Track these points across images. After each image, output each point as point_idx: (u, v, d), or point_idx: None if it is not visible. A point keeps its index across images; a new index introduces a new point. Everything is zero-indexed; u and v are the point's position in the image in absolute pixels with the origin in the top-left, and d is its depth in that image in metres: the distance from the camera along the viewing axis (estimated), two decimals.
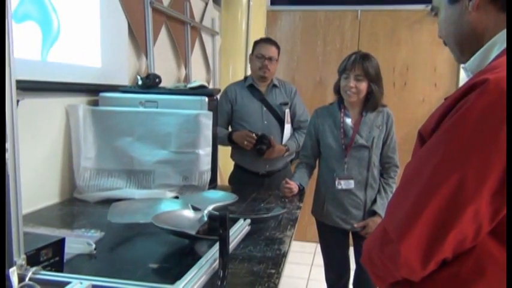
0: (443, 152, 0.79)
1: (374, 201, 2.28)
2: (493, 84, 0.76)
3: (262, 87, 2.78)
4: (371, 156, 2.24)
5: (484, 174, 0.75)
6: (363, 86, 2.18)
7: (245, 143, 2.59)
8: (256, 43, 2.78)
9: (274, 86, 2.79)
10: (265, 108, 2.74)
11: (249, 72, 3.06)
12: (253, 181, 2.70)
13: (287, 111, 2.75)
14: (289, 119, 2.76)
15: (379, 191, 2.28)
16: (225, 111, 2.73)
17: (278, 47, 2.77)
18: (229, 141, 2.68)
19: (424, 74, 4.09)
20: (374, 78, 2.19)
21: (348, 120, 2.27)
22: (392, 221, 0.84)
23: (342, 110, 2.28)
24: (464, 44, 0.95)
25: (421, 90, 4.11)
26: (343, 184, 2.24)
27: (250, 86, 2.77)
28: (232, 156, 2.87)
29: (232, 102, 2.74)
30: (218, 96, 2.60)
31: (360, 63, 2.16)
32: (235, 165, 2.87)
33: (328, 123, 2.30)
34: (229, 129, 2.77)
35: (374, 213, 2.26)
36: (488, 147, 0.75)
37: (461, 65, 0.97)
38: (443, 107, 0.84)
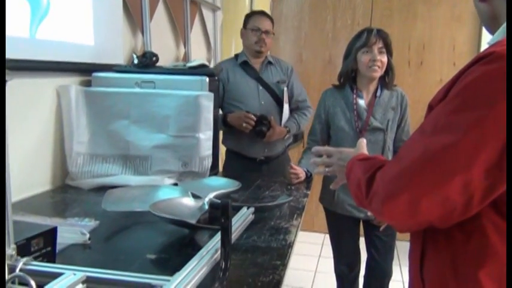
0: (443, 120, 0.83)
1: None
2: (498, 55, 0.80)
3: (256, 64, 2.73)
4: (386, 140, 2.24)
5: (478, 145, 0.78)
6: (385, 59, 2.19)
7: (243, 125, 2.53)
8: (248, 16, 2.73)
9: (269, 63, 2.75)
10: (261, 87, 2.69)
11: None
12: (251, 168, 2.66)
13: (285, 89, 2.70)
14: (287, 99, 2.71)
15: None
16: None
17: (273, 21, 2.73)
18: (224, 124, 2.62)
19: (442, 52, 4.05)
20: (391, 52, 2.21)
21: (361, 102, 2.26)
22: (383, 176, 0.89)
23: (354, 91, 2.27)
24: (486, 25, 1.00)
25: (438, 70, 4.07)
26: None
27: (243, 63, 2.71)
28: (224, 142, 2.80)
29: (223, 81, 2.67)
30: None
31: (381, 35, 2.17)
32: (229, 152, 2.81)
33: (340, 105, 2.29)
34: (220, 111, 2.67)
35: None
36: (484, 117, 0.78)
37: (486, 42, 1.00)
38: (453, 78, 0.88)
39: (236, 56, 2.80)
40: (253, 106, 2.64)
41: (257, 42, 2.65)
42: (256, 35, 2.65)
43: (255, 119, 2.54)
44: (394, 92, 2.28)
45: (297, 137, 2.96)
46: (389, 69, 2.23)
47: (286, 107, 2.70)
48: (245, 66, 2.72)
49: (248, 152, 2.71)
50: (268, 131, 2.55)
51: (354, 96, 2.26)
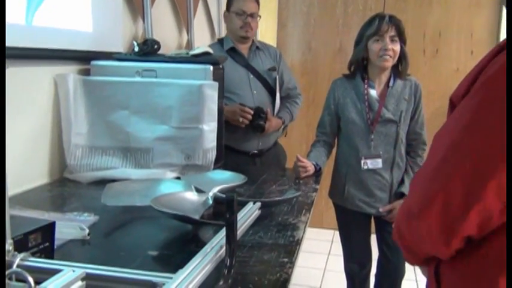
0: (469, 119, 0.80)
1: (401, 182, 2.28)
2: None
3: (243, 50, 2.65)
4: (398, 132, 2.23)
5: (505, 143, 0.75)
6: (397, 48, 2.17)
7: (240, 119, 2.46)
8: None
9: (258, 48, 2.69)
10: (252, 76, 2.61)
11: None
12: (244, 162, 2.59)
13: (277, 77, 2.64)
14: (279, 87, 2.66)
15: (406, 171, 2.29)
16: None
17: (258, 2, 2.64)
18: None
19: (459, 39, 4.02)
20: (405, 40, 2.20)
21: (373, 92, 2.26)
22: (413, 194, 0.88)
23: (366, 80, 2.26)
24: None
25: (455, 59, 4.05)
26: (369, 164, 2.24)
27: (231, 50, 2.63)
28: None
29: None
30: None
31: (394, 22, 2.16)
32: None
33: (350, 96, 2.29)
34: None
35: (401, 195, 2.26)
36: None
37: None
38: (474, 69, 0.85)
39: (220, 40, 2.70)
40: (246, 97, 2.57)
41: (242, 27, 2.57)
42: (241, 19, 2.56)
43: (252, 112, 2.47)
44: (407, 81, 2.27)
45: (285, 129, 2.91)
46: (402, 58, 2.22)
47: (278, 96, 2.65)
48: (233, 53, 2.62)
49: (241, 145, 2.63)
50: (265, 124, 2.51)
51: (365, 86, 2.26)
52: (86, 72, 2.01)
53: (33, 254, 0.96)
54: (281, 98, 2.71)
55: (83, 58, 1.99)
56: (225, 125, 2.53)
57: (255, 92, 2.62)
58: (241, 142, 2.62)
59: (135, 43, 2.09)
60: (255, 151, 2.68)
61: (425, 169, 0.87)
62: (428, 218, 0.82)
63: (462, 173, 0.79)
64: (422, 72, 3.84)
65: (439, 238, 0.83)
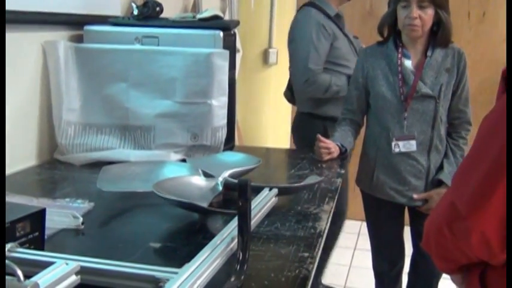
0: None
1: (440, 168, 2.27)
2: None
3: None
4: (437, 110, 2.21)
5: None
6: (429, 15, 2.13)
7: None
8: None
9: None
10: (352, 46, 2.76)
11: None
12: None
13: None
14: None
15: (446, 155, 2.27)
16: (325, 49, 2.66)
17: None
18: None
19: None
20: (442, 3, 2.14)
21: (408, 63, 2.23)
22: (461, 194, 0.85)
23: (399, 49, 2.24)
24: None
25: (505, 24, 3.97)
26: (401, 146, 2.23)
27: (336, 16, 2.74)
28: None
29: (332, 37, 2.67)
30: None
31: None
32: (302, 113, 2.87)
33: (381, 67, 2.27)
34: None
35: (439, 183, 2.25)
36: None
37: None
38: None
39: (313, 5, 2.74)
40: (352, 69, 2.60)
41: None
42: None
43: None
44: (449, 50, 2.24)
45: None
46: (440, 24, 2.18)
47: None
48: (338, 20, 2.74)
49: None
50: None
51: (399, 55, 2.23)
52: (79, 39, 2.02)
53: (21, 245, 0.98)
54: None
55: (75, 22, 2.00)
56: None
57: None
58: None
59: (134, 5, 2.09)
60: None
61: (476, 162, 0.85)
62: (482, 220, 0.81)
63: None
64: (466, 39, 3.79)
65: (497, 243, 0.82)
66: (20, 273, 0.77)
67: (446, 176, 2.21)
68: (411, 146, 2.23)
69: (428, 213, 2.25)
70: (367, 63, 2.31)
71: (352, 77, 2.41)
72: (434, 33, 2.21)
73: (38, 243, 1.05)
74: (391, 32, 2.26)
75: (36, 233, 1.05)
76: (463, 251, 0.89)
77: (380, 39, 2.32)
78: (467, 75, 2.26)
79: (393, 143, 2.23)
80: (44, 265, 0.87)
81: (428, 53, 2.22)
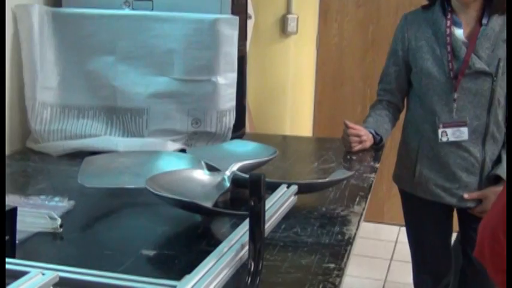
0: None
1: (497, 161, 2.25)
2: None
3: None
4: (495, 90, 2.19)
5: None
6: None
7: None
8: None
9: None
10: None
11: None
12: None
13: None
14: None
15: (504, 146, 2.25)
16: None
17: None
18: None
19: None
20: None
21: (459, 32, 2.22)
22: None
23: (448, 15, 2.22)
24: None
25: None
26: (450, 134, 2.22)
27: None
28: None
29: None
30: None
31: None
32: None
33: (426, 36, 2.25)
34: None
35: (497, 179, 2.24)
36: None
37: None
38: None
39: None
40: None
41: None
42: None
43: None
44: None
45: None
46: None
47: None
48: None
49: None
50: None
51: (448, 23, 2.22)
52: (56, 2, 2.02)
53: None
54: None
55: None
56: None
57: None
58: None
59: None
60: None
61: None
62: None
63: None
64: None
65: None
66: None
67: (505, 170, 2.20)
68: (462, 134, 2.21)
69: (482, 217, 2.26)
70: (410, 33, 2.29)
71: (390, 49, 2.39)
72: None
73: (8, 249, 1.06)
74: None
75: (6, 237, 1.06)
76: None
77: (420, 2, 2.30)
78: None
79: (440, 131, 2.22)
80: (16, 275, 0.87)
81: (484, 21, 2.20)
